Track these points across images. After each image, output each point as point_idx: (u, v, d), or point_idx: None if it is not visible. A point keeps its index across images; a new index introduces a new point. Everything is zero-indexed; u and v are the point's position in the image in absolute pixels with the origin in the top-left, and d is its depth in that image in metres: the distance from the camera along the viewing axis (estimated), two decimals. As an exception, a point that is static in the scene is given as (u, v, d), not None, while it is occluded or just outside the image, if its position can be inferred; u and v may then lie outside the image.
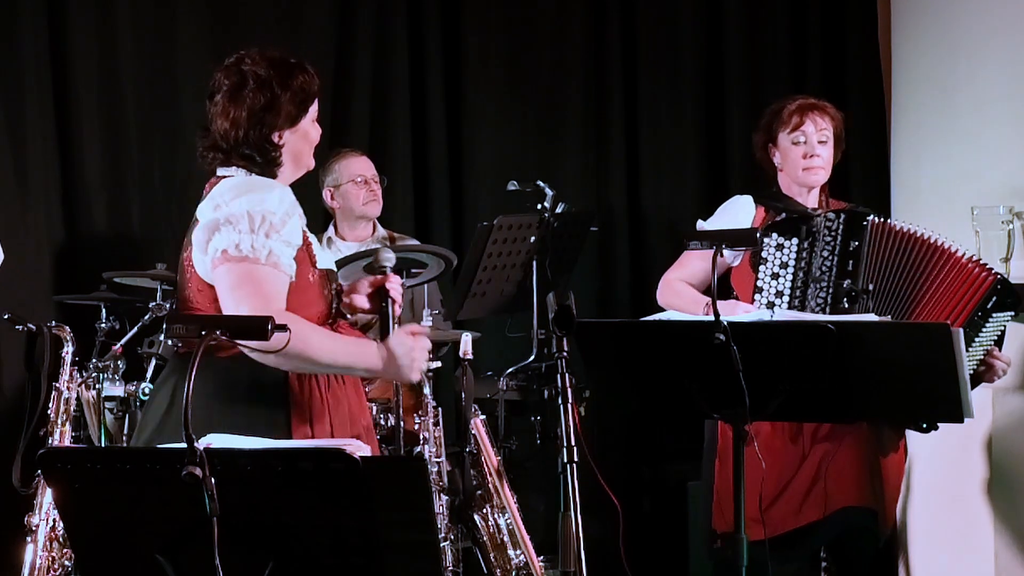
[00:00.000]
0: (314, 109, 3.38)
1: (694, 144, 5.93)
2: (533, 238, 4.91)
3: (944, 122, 5.27)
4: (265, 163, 3.34)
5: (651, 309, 4.58)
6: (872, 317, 3.90)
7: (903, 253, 4.20)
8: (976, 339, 4.12)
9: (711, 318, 3.37)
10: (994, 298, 4.13)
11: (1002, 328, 4.17)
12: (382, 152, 5.56)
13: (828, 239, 4.22)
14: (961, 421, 3.49)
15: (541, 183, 4.99)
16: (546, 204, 4.95)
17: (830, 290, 4.18)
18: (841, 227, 4.21)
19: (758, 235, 3.80)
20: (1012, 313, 4.17)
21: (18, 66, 5.13)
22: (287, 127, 3.33)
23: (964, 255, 4.17)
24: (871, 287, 4.18)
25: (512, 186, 5.04)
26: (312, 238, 3.36)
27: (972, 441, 5.13)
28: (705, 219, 4.48)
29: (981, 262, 4.17)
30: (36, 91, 5.16)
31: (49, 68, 5.20)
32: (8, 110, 5.12)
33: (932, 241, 4.20)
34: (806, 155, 4.36)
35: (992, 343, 4.17)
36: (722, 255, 3.72)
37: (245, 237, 3.20)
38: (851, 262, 4.19)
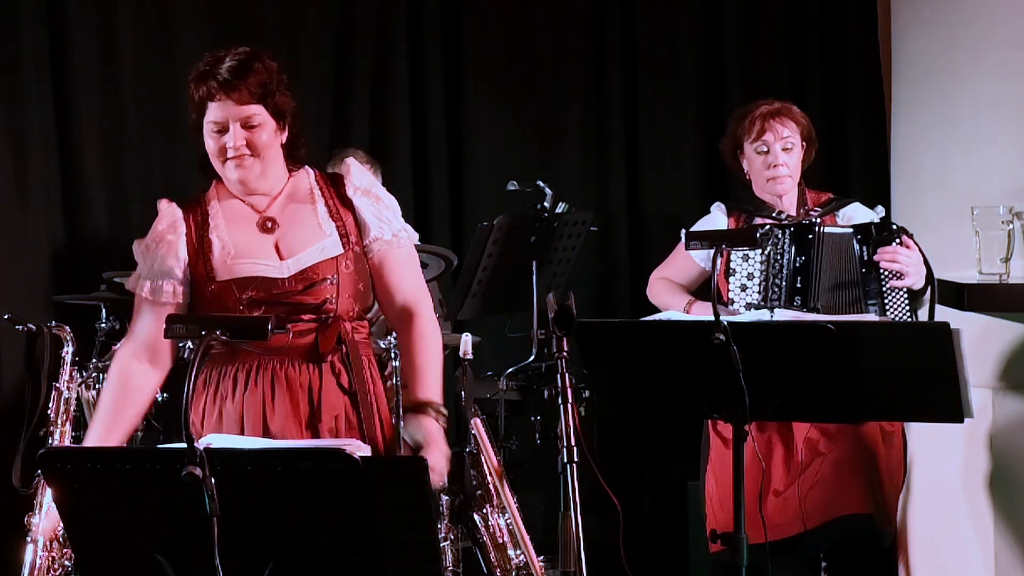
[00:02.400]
0: (210, 119, 3.35)
1: (694, 144, 5.93)
2: (533, 238, 4.91)
3: (944, 122, 5.26)
4: (204, 165, 3.46)
5: (651, 309, 4.58)
6: (872, 317, 3.90)
7: (832, 255, 4.21)
8: (883, 287, 4.18)
9: (711, 318, 3.37)
10: (863, 247, 4.18)
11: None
12: (382, 152, 5.55)
13: (777, 257, 4.22)
14: (961, 421, 3.49)
15: (541, 183, 4.99)
16: (546, 204, 4.95)
17: (782, 308, 4.19)
18: (789, 243, 4.21)
19: (758, 235, 3.81)
20: (895, 240, 4.20)
21: (18, 66, 5.13)
22: (198, 131, 3.39)
23: (843, 231, 4.25)
24: (819, 306, 4.19)
25: (512, 186, 5.03)
26: (220, 247, 3.39)
27: (972, 441, 5.13)
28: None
29: (845, 228, 4.24)
30: (36, 91, 5.16)
31: (49, 68, 5.19)
32: (8, 110, 5.12)
33: (833, 232, 4.22)
34: (769, 165, 4.37)
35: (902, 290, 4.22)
36: (721, 255, 3.73)
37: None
38: (799, 279, 4.20)
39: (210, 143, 3.36)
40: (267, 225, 3.42)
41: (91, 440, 3.35)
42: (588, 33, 5.89)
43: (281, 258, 3.39)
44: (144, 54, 5.34)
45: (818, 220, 4.29)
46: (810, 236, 4.21)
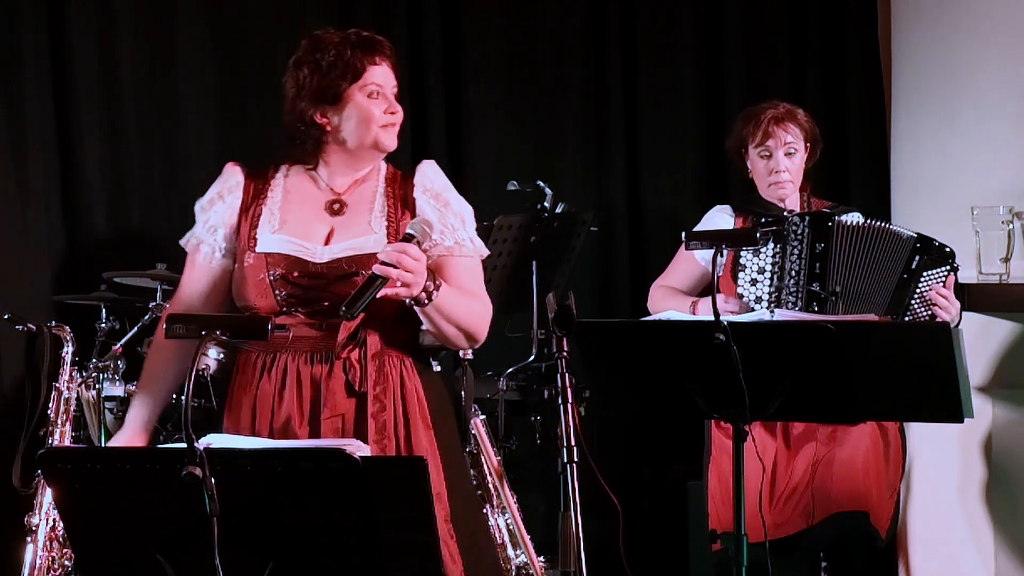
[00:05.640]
0: (370, 82, 3.35)
1: (694, 144, 5.93)
2: (533, 238, 4.91)
3: (944, 122, 5.27)
4: (307, 145, 3.39)
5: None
6: (872, 317, 3.91)
7: (864, 245, 4.24)
8: (912, 300, 4.20)
9: (711, 318, 3.37)
10: (917, 258, 4.18)
11: (940, 283, 4.24)
12: (382, 152, 5.55)
13: (795, 243, 4.25)
14: (961, 421, 3.49)
15: (541, 183, 4.99)
16: (546, 204, 4.95)
17: (801, 296, 4.21)
18: (807, 230, 4.25)
19: (757, 235, 3.83)
20: (946, 268, 4.21)
21: (18, 66, 5.13)
22: (325, 104, 3.35)
23: (898, 230, 4.26)
24: (838, 289, 4.21)
25: (512, 186, 5.03)
26: (267, 218, 3.35)
27: (972, 441, 5.13)
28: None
29: (907, 231, 4.25)
30: (36, 91, 5.15)
31: (49, 68, 5.19)
32: (8, 110, 5.12)
33: (880, 227, 4.24)
34: (771, 171, 4.41)
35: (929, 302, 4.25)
36: (721, 255, 3.73)
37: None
38: (818, 265, 4.23)
39: (371, 109, 3.36)
40: (334, 207, 3.39)
41: (135, 401, 3.41)
42: (588, 34, 5.89)
43: (325, 244, 3.34)
44: (144, 54, 5.34)
45: (833, 213, 4.33)
46: (829, 224, 4.23)
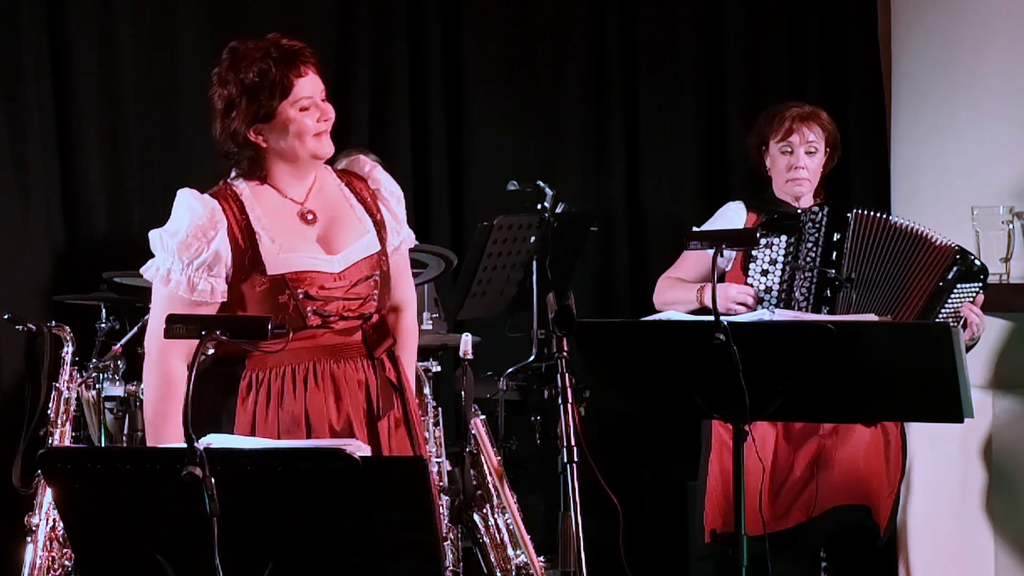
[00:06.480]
0: (300, 94, 3.29)
1: (694, 144, 5.93)
2: (533, 238, 4.91)
3: (944, 122, 5.27)
4: (246, 162, 3.34)
5: (651, 309, 4.58)
6: (872, 317, 3.91)
7: (885, 242, 4.27)
8: (942, 309, 4.21)
9: (711, 317, 3.37)
10: (954, 268, 4.21)
11: (971, 300, 4.26)
12: (382, 152, 5.55)
13: (812, 231, 4.28)
14: (961, 421, 3.50)
15: (541, 183, 4.99)
16: (546, 204, 4.95)
17: (814, 279, 4.24)
18: (825, 219, 4.28)
19: (757, 235, 3.84)
20: (978, 284, 4.23)
21: (18, 66, 5.13)
22: (258, 122, 3.28)
23: (936, 237, 4.26)
24: (854, 276, 4.23)
25: (512, 186, 5.04)
26: (269, 239, 3.27)
27: (972, 441, 5.13)
28: (699, 225, 4.50)
29: (947, 240, 4.25)
30: (36, 91, 5.15)
31: (49, 68, 5.19)
32: (8, 110, 5.12)
33: (910, 229, 4.26)
34: (791, 167, 4.43)
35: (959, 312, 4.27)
36: (722, 255, 3.74)
37: (154, 261, 3.29)
38: (834, 253, 4.26)
39: (303, 121, 3.31)
40: (308, 217, 3.34)
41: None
42: (588, 33, 5.89)
43: (327, 252, 3.32)
44: (144, 54, 5.34)
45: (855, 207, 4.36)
46: (847, 215, 4.25)
